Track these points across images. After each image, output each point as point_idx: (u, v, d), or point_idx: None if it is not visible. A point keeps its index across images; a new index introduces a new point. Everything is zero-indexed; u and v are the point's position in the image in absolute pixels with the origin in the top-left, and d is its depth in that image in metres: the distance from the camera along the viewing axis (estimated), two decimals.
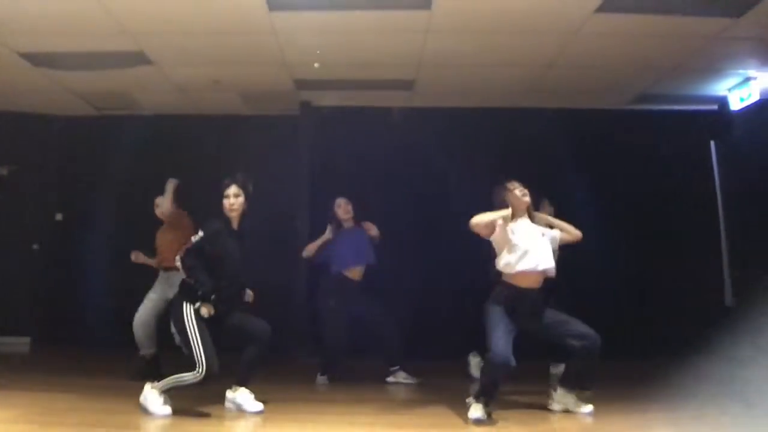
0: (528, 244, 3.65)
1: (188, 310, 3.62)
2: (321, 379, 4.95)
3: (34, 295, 6.60)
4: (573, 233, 3.96)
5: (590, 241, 5.95)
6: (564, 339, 3.68)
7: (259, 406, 3.77)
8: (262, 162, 6.50)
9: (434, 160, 6.32)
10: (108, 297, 6.36)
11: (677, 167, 6.51)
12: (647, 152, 6.49)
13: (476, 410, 3.54)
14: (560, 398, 3.82)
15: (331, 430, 3.44)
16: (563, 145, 6.41)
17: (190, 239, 3.80)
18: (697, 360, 5.21)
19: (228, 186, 3.88)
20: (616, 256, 6.26)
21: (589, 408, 3.76)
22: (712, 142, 6.72)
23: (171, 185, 5.03)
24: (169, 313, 3.88)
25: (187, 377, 3.55)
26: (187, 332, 3.58)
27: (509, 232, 3.65)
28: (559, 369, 5.03)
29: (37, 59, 5.41)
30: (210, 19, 4.62)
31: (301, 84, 6.04)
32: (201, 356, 3.52)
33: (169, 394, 3.62)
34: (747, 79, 5.90)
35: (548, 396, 3.87)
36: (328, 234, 5.10)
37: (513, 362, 3.48)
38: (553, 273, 3.75)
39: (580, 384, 3.77)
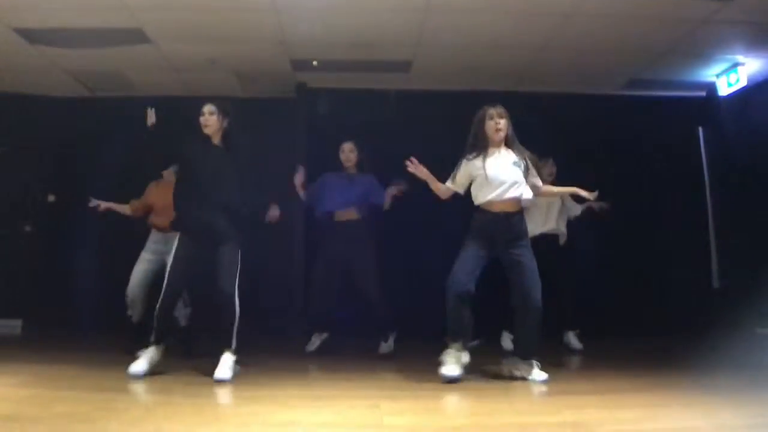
0: (496, 175, 3.63)
1: None
2: (313, 340, 4.79)
3: (25, 278, 6.52)
4: (581, 193, 3.93)
5: (578, 225, 6.25)
6: (513, 288, 3.58)
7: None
8: (256, 145, 6.54)
9: (431, 143, 6.34)
10: (101, 279, 6.31)
11: (666, 152, 6.65)
12: (636, 137, 6.61)
13: (449, 364, 3.41)
14: (507, 363, 3.65)
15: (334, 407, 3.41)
16: (555, 130, 6.45)
17: None
18: (684, 340, 5.44)
19: (203, 105, 4.03)
20: (605, 240, 6.35)
21: (543, 376, 3.57)
22: (700, 128, 6.87)
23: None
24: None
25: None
26: None
27: (477, 167, 3.68)
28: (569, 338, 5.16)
29: (34, 36, 5.38)
30: None
31: (298, 65, 6.07)
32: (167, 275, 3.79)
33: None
34: (735, 65, 6.05)
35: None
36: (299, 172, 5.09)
37: (471, 289, 3.46)
38: (527, 200, 3.70)
39: (521, 353, 3.58)
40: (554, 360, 4.62)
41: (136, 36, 5.35)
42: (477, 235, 3.63)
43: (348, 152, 5.02)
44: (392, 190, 4.98)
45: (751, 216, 6.10)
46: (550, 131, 6.38)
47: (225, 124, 4.03)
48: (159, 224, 4.98)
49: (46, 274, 6.57)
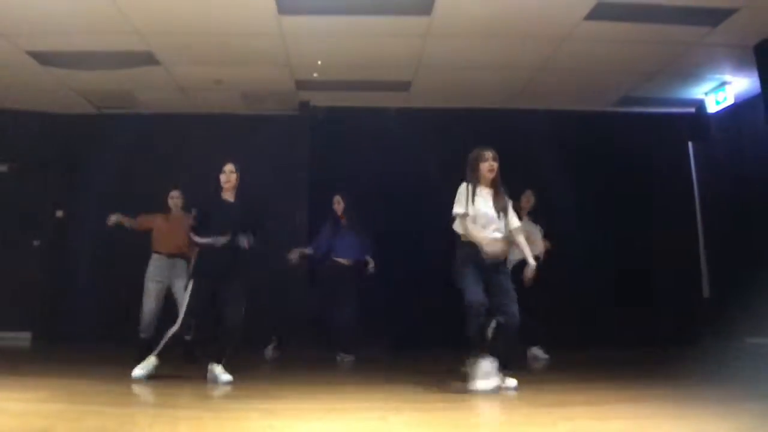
0: (484, 213, 3.84)
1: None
2: (344, 356, 5.44)
3: (34, 291, 6.65)
4: (529, 265, 4.00)
5: (573, 238, 6.45)
6: (496, 309, 3.80)
7: (229, 377, 4.13)
8: (261, 160, 6.72)
9: (429, 159, 6.55)
10: (108, 293, 6.45)
11: (657, 167, 6.89)
12: (628, 152, 6.81)
13: (483, 377, 3.61)
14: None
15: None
16: (551, 145, 6.68)
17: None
18: (675, 350, 5.61)
19: (225, 163, 4.35)
20: (598, 253, 6.53)
21: (513, 382, 3.78)
22: (690, 143, 7.09)
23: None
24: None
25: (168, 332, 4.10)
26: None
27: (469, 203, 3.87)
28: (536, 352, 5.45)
29: (45, 58, 5.54)
30: (220, 21, 4.83)
31: (302, 84, 6.26)
32: (183, 309, 4.12)
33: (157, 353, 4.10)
34: (722, 84, 6.28)
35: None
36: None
37: (486, 301, 3.69)
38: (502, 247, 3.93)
39: (502, 362, 3.81)
40: (549, 373, 4.85)
41: (146, 58, 5.53)
42: (467, 261, 3.87)
43: (337, 204, 5.73)
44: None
45: (739, 227, 6.31)
46: (544, 147, 6.66)
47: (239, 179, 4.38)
48: (164, 250, 5.27)
49: (54, 287, 6.71)
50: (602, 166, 6.79)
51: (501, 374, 3.77)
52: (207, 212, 4.25)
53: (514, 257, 4.54)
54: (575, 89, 6.41)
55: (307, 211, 6.59)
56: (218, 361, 4.14)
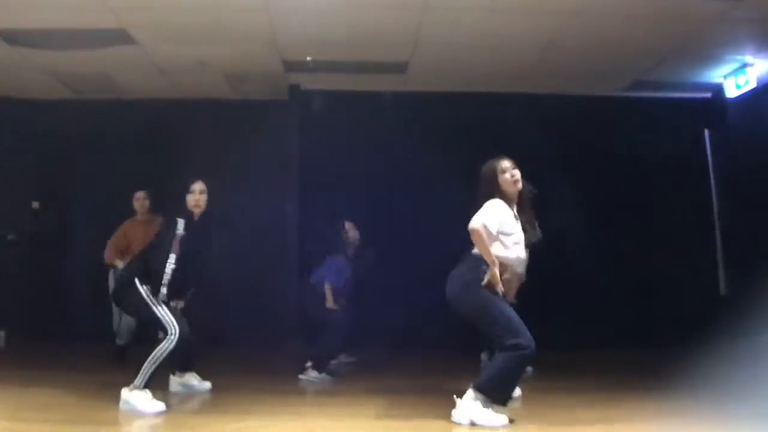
0: (518, 235, 3.34)
1: (142, 288, 3.61)
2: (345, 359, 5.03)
3: (9, 287, 6.26)
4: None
5: (583, 231, 6.13)
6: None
7: (208, 384, 4.05)
8: (249, 149, 6.38)
9: (427, 147, 6.17)
10: (87, 289, 6.08)
11: (670, 156, 6.44)
12: (640, 140, 6.41)
13: (500, 413, 3.15)
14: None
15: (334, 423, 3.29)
16: (557, 132, 6.30)
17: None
18: (692, 349, 5.19)
19: (195, 182, 3.84)
20: (609, 246, 6.18)
21: (517, 391, 3.55)
22: (706, 131, 6.66)
23: None
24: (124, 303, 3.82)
25: (162, 348, 3.49)
26: (148, 303, 3.55)
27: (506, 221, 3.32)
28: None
29: (11, 37, 5.14)
30: None
31: (291, 66, 5.85)
32: (168, 318, 3.52)
33: (152, 384, 3.47)
34: (743, 66, 5.84)
35: None
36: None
37: None
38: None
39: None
40: (558, 379, 4.46)
41: (119, 37, 5.11)
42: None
43: (353, 230, 5.19)
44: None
45: (758, 221, 5.91)
46: (551, 134, 6.25)
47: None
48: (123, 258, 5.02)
49: (30, 283, 6.34)
50: (611, 154, 6.38)
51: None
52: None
53: None
54: (583, 72, 5.97)
55: (297, 203, 6.19)
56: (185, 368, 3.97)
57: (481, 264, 3.22)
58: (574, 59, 5.70)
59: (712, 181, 6.62)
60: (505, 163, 3.36)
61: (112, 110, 6.53)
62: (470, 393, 3.14)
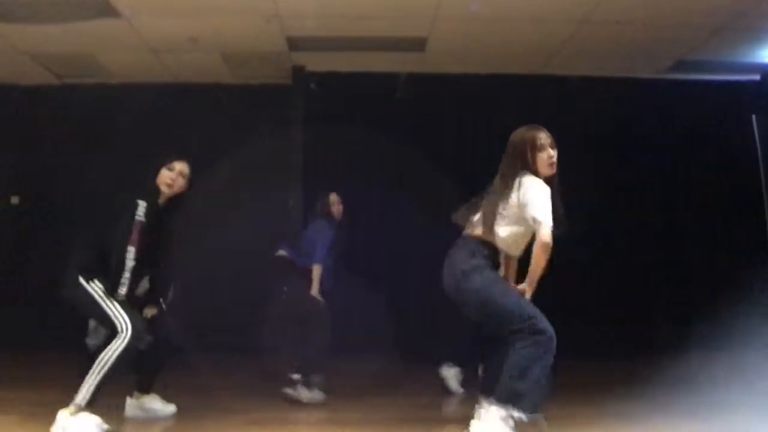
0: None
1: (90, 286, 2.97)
2: (313, 393, 3.82)
3: None
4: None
5: (620, 222, 5.69)
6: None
7: (172, 407, 3.35)
8: (248, 138, 5.81)
9: (445, 135, 5.65)
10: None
11: (715, 143, 5.94)
12: (682, 126, 5.94)
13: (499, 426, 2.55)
14: None
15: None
16: (590, 119, 5.80)
17: None
18: (741, 354, 4.71)
19: (178, 160, 3.19)
20: (647, 237, 5.79)
21: None
22: (753, 116, 6.09)
23: None
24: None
25: (110, 350, 2.83)
26: (96, 300, 2.92)
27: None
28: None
29: None
30: None
31: (295, 43, 5.29)
32: (118, 313, 2.89)
33: (98, 403, 2.82)
34: None
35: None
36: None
37: None
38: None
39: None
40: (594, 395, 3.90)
41: (102, 8, 4.56)
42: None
43: (338, 204, 4.26)
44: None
45: None
46: (583, 120, 5.73)
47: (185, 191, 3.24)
48: None
49: (7, 284, 5.84)
50: (649, 143, 5.88)
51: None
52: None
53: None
54: (622, 51, 5.40)
55: (301, 197, 5.63)
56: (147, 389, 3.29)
57: (480, 248, 2.72)
58: (611, 36, 5.13)
59: (761, 169, 6.05)
60: (545, 138, 2.75)
61: (98, 96, 6.01)
62: (495, 411, 2.52)
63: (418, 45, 5.28)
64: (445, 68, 5.69)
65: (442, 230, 5.28)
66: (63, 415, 2.73)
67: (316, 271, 3.91)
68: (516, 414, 2.50)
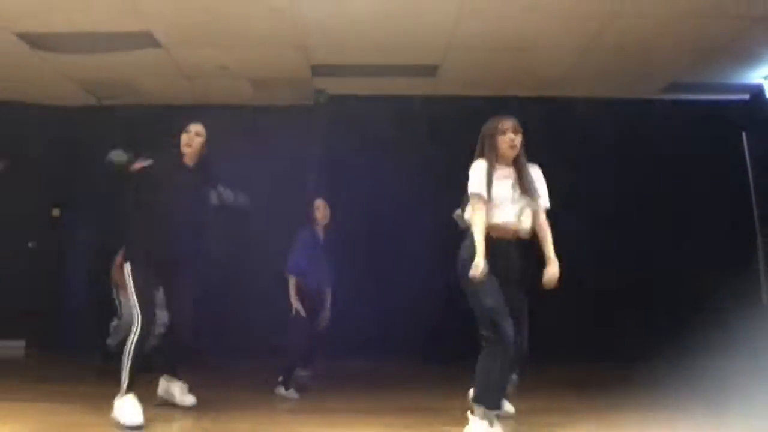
0: (503, 197, 3.08)
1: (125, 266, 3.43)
2: (288, 392, 4.22)
3: (29, 297, 6.19)
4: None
5: (619, 235, 5.97)
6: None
7: (191, 398, 3.65)
8: (272, 156, 6.20)
9: (457, 153, 5.97)
10: (108, 299, 5.95)
11: (707, 159, 6.22)
12: (675, 144, 6.22)
13: (479, 426, 2.93)
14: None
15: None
16: (593, 136, 6.12)
17: None
18: (736, 360, 5.03)
19: (189, 123, 3.69)
20: (645, 251, 6.01)
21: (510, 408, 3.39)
22: (743, 133, 6.45)
23: None
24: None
25: (131, 340, 3.27)
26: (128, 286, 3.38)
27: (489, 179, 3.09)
28: None
29: (36, 40, 5.05)
30: None
31: (318, 70, 5.71)
32: (136, 307, 3.31)
33: (137, 387, 3.27)
34: None
35: None
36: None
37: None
38: (527, 234, 3.18)
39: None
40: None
41: (145, 40, 5.00)
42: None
43: (324, 209, 4.50)
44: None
45: None
46: (586, 139, 6.08)
47: (205, 150, 3.68)
48: None
49: (50, 292, 6.24)
50: (645, 159, 6.20)
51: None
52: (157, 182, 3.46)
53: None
54: (621, 74, 5.79)
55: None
56: (172, 373, 3.64)
57: (464, 237, 3.09)
58: (611, 62, 5.52)
59: (751, 184, 6.39)
60: (506, 123, 3.15)
61: (133, 117, 6.39)
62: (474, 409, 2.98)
63: (430, 71, 5.69)
64: (455, 91, 6.08)
65: (456, 239, 5.76)
66: (117, 401, 3.20)
67: (289, 278, 4.30)
68: (486, 411, 2.93)
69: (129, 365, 3.24)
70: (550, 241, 3.16)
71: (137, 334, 3.27)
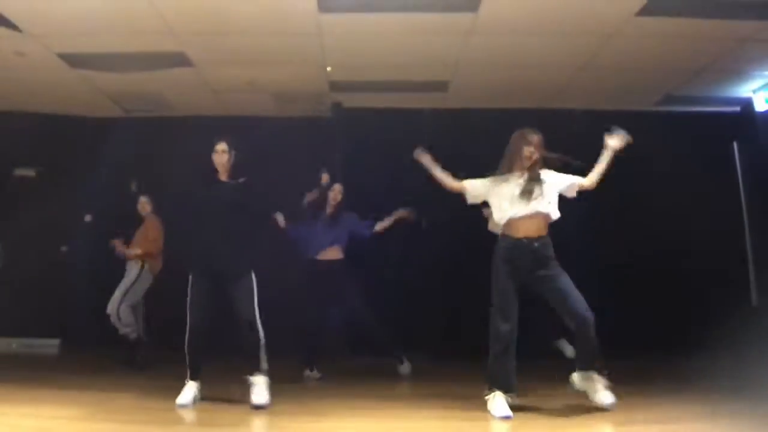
0: (515, 192, 3.65)
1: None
2: (310, 374, 4.87)
3: (62, 297, 6.53)
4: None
5: (613, 242, 6.26)
6: (563, 316, 3.58)
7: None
8: (291, 165, 6.56)
9: (466, 162, 6.31)
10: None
11: (700, 167, 6.48)
12: (670, 153, 6.41)
13: (498, 405, 3.41)
14: (579, 381, 3.59)
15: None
16: (590, 146, 6.40)
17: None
18: (723, 359, 5.36)
19: (215, 143, 4.03)
20: (640, 258, 6.27)
21: (608, 399, 3.50)
22: (735, 143, 6.81)
23: None
24: None
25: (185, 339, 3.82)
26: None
27: (495, 183, 3.72)
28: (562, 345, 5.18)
29: (75, 60, 5.43)
30: (258, 20, 4.68)
31: (336, 86, 6.09)
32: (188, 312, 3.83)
33: (191, 375, 3.79)
34: None
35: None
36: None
37: (515, 329, 3.47)
38: (552, 217, 3.69)
39: (588, 365, 3.52)
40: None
41: (179, 60, 5.38)
42: (503, 266, 3.59)
43: (337, 192, 5.10)
44: (401, 213, 5.18)
45: None
46: (584, 148, 6.38)
47: (233, 158, 4.05)
48: (155, 269, 5.56)
49: (82, 293, 6.52)
50: (642, 167, 6.30)
51: (595, 384, 3.51)
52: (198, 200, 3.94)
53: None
54: (617, 88, 6.17)
55: None
56: (258, 370, 3.80)
57: (498, 240, 3.63)
58: (609, 78, 5.90)
59: (742, 191, 6.74)
60: (532, 137, 3.78)
61: (160, 127, 6.76)
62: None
63: (441, 86, 6.08)
64: (463, 104, 6.48)
65: (469, 248, 6.07)
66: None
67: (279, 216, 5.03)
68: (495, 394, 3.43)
69: (187, 356, 3.74)
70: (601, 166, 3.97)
71: (187, 333, 3.77)
